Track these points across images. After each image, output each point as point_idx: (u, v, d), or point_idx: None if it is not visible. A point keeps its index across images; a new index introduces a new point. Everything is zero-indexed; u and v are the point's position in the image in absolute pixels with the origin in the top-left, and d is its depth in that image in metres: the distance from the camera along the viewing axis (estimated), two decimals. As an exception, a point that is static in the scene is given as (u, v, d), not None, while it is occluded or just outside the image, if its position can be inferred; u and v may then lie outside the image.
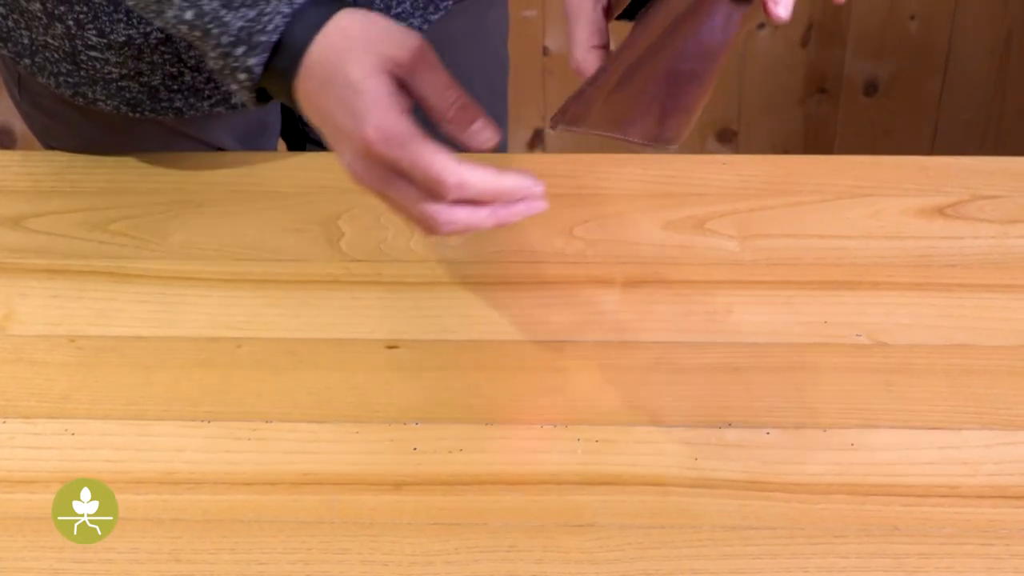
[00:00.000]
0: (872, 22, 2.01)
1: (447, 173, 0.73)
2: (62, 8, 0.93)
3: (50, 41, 0.96)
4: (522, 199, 0.76)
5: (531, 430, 0.84)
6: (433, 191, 0.74)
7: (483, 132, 0.76)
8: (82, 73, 0.97)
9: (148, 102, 0.99)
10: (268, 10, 0.77)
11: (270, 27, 0.77)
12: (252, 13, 0.78)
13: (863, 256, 0.95)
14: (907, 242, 0.96)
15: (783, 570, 0.77)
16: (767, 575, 0.76)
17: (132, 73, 0.97)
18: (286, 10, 0.77)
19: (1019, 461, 0.82)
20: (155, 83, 0.98)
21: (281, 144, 1.19)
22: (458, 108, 0.76)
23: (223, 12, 0.78)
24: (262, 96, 0.81)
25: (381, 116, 0.74)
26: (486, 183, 0.74)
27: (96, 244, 0.96)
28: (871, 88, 2.07)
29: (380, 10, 0.98)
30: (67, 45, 0.95)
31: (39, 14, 0.94)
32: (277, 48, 0.78)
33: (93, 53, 0.95)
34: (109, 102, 0.99)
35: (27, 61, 0.99)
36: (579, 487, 0.81)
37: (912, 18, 2.00)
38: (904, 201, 0.99)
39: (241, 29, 0.78)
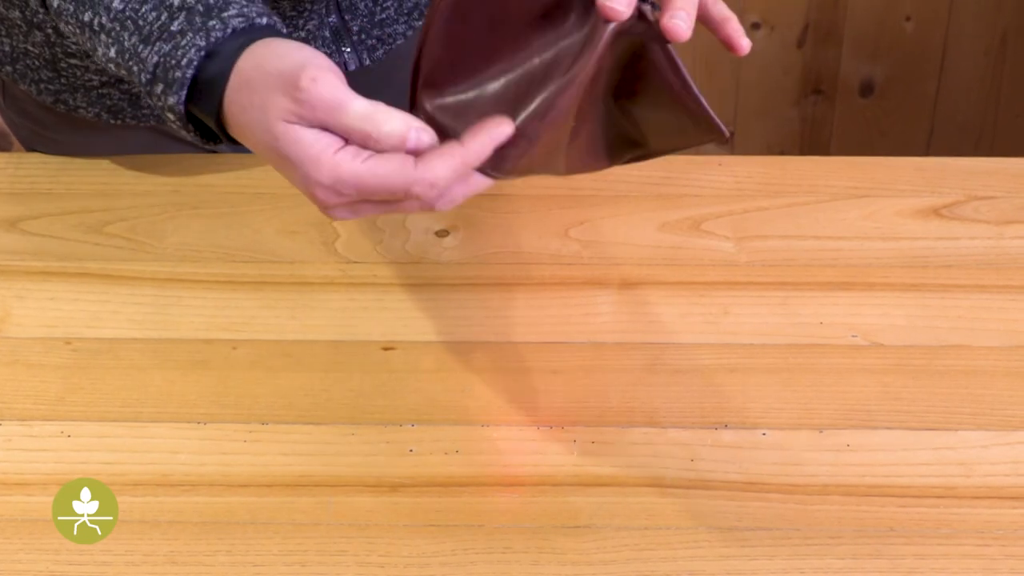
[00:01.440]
0: (868, 23, 2.01)
1: (413, 185, 0.67)
2: (41, 15, 0.93)
3: (30, 48, 0.96)
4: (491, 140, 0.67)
5: (527, 431, 0.84)
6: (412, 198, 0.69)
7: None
8: (63, 80, 0.97)
9: (129, 109, 0.99)
10: (183, 43, 0.70)
11: (183, 61, 0.70)
12: (167, 47, 0.71)
13: (859, 257, 0.95)
14: (903, 243, 0.96)
15: (779, 571, 0.77)
16: (763, 576, 0.76)
17: (112, 80, 0.97)
18: (200, 43, 0.70)
19: (1015, 462, 0.82)
20: (135, 90, 0.97)
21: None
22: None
23: (141, 48, 0.72)
24: (213, 136, 0.74)
25: (317, 172, 0.67)
26: (455, 162, 0.66)
27: (92, 246, 0.96)
28: (867, 89, 2.07)
29: (364, 16, 0.97)
30: (47, 52, 0.95)
31: (19, 21, 0.94)
32: (197, 86, 0.71)
33: (73, 60, 0.95)
34: (90, 109, 0.99)
35: (8, 68, 0.99)
36: (575, 488, 0.81)
37: (907, 19, 2.00)
38: (900, 202, 0.99)
39: (156, 65, 0.71)
